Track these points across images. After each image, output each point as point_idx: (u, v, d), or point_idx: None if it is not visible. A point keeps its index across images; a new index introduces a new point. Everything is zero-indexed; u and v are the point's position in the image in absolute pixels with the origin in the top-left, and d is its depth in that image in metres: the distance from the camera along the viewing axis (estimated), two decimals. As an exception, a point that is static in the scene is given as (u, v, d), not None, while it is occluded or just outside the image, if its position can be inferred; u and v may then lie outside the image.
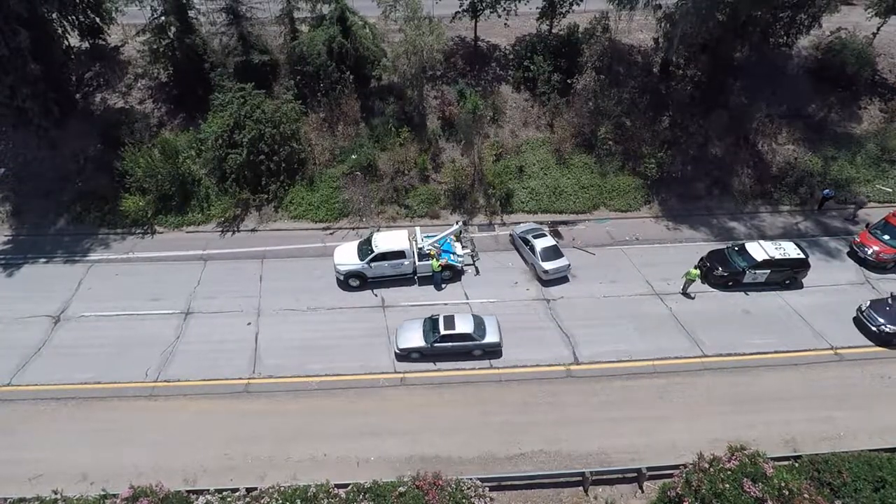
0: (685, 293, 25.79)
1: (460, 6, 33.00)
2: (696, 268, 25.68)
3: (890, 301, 23.95)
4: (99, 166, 30.57)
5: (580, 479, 18.68)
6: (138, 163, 28.46)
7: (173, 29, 31.31)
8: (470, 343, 22.11)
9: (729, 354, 23.16)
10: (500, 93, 33.71)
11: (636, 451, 19.63)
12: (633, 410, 20.93)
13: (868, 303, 24.24)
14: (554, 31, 34.45)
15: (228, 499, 16.34)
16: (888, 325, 23.12)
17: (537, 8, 33.63)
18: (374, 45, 31.69)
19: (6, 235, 29.06)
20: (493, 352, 22.64)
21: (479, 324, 22.48)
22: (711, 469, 16.60)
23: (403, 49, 30.07)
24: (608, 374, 22.29)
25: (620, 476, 18.99)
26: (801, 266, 25.87)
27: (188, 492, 16.92)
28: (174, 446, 19.35)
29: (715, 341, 23.58)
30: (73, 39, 33.57)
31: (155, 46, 31.56)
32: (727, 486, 15.87)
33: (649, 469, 18.66)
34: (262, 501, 15.89)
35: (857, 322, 24.21)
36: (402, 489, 16.05)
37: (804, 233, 29.88)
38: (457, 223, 27.59)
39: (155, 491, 16.05)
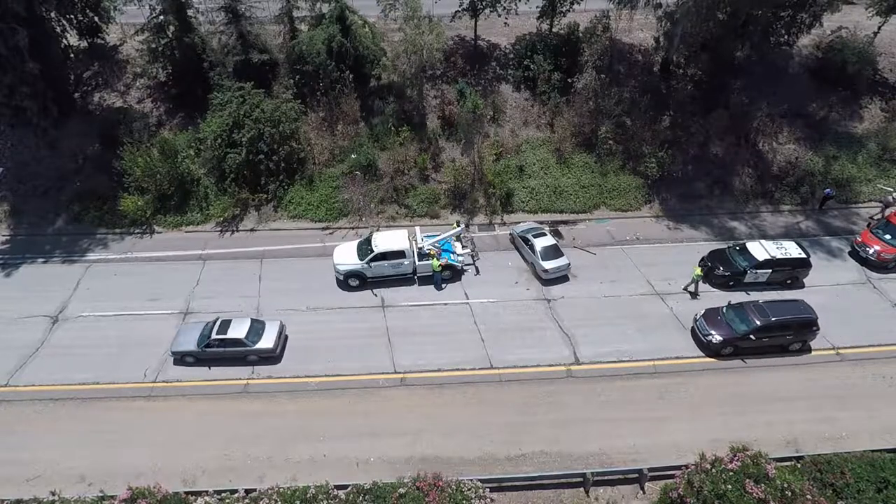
0: (687, 289, 25.70)
1: (460, 5, 32.95)
2: (699, 266, 25.62)
3: (723, 311, 23.11)
4: (97, 166, 30.45)
5: (581, 480, 18.57)
6: (137, 162, 28.33)
7: (172, 28, 31.24)
8: (242, 349, 21.59)
9: (731, 355, 23.05)
10: (500, 92, 33.61)
11: (637, 452, 19.52)
12: (633, 411, 20.83)
13: (703, 311, 23.44)
14: (554, 30, 34.35)
15: (227, 500, 16.22)
16: (716, 336, 22.33)
17: (537, 7, 33.54)
18: (374, 45, 31.61)
19: (4, 235, 28.95)
20: (270, 358, 22.02)
21: (257, 329, 21.99)
22: (713, 470, 16.45)
23: (403, 48, 30.03)
24: (609, 374, 22.20)
25: (622, 477, 18.85)
26: (802, 266, 25.77)
27: (187, 493, 16.82)
28: (173, 447, 19.23)
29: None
30: (72, 38, 33.47)
31: (154, 45, 31.48)
32: (729, 487, 15.73)
33: (651, 470, 18.54)
34: (261, 503, 15.76)
35: (693, 333, 23.51)
36: (402, 490, 15.93)
37: (805, 232, 29.78)
38: (458, 224, 27.48)
39: (153, 492, 15.94)
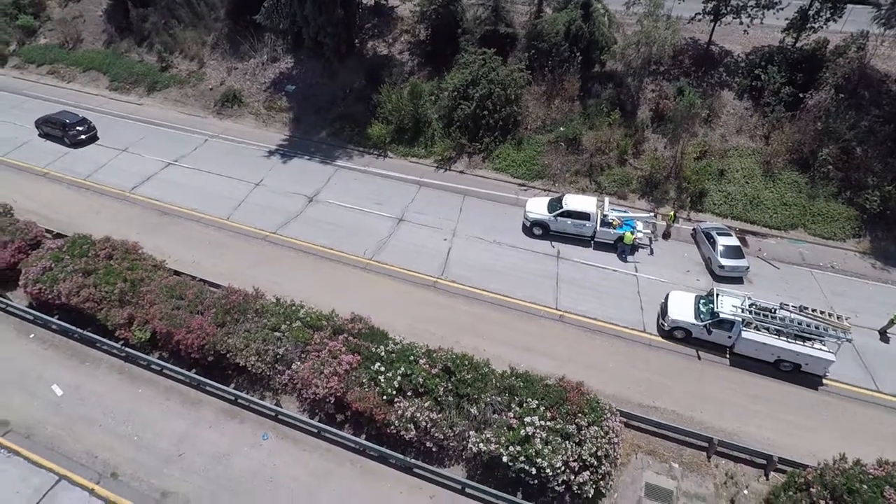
0: (882, 330, 24.25)
1: (703, 9, 33.78)
2: None
3: None
4: (359, 97, 38.29)
5: (707, 445, 19.65)
6: (390, 99, 35.20)
7: (440, -2, 37.46)
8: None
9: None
10: (720, 97, 33.86)
11: (771, 444, 19.77)
12: (782, 411, 21.02)
13: None
14: (798, 44, 33.36)
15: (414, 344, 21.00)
16: None
17: (786, 19, 32.92)
18: (609, 33, 34.22)
19: (285, 136, 38.20)
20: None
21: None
22: (852, 470, 16.58)
23: (636, 39, 32.14)
24: (766, 373, 22.39)
25: (748, 458, 19.45)
26: None
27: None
28: (376, 308, 24.30)
29: (894, 381, 22.14)
30: (364, -4, 41.93)
31: (424, 9, 38.11)
32: (865, 487, 15.85)
33: (781, 461, 18.85)
34: (437, 354, 20.17)
35: None
36: (547, 382, 19.07)
37: None
38: (650, 212, 29.41)
39: (366, 321, 21.39)
